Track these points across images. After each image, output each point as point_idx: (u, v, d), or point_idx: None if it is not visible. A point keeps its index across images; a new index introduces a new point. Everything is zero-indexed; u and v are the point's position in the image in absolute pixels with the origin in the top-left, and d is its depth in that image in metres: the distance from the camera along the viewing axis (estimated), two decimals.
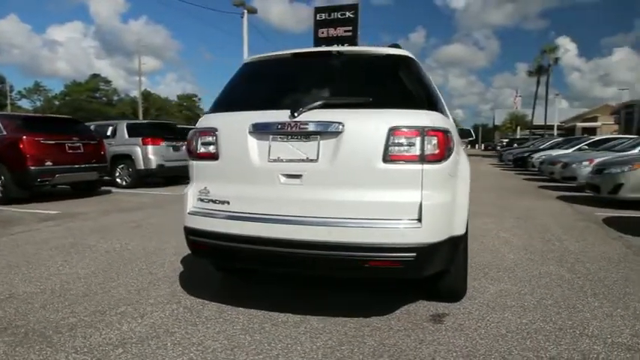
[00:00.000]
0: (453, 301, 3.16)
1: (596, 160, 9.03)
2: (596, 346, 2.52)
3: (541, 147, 19.57)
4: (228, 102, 3.00)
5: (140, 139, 10.67)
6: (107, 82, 72.56)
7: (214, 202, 2.79)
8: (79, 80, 70.68)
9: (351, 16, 32.02)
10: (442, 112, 2.79)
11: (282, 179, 2.62)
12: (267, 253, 2.60)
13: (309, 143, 2.60)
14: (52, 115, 9.40)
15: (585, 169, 9.58)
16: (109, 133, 10.91)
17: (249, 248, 2.64)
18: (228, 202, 2.74)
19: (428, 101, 2.67)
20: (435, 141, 2.48)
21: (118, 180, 10.83)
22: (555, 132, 48.33)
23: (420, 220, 2.43)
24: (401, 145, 2.46)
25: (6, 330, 2.74)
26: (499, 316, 2.96)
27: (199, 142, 2.90)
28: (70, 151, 8.36)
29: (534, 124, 50.92)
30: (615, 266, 4.14)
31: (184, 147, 11.32)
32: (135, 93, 60.29)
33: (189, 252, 3.32)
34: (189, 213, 2.88)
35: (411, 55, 2.91)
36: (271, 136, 2.67)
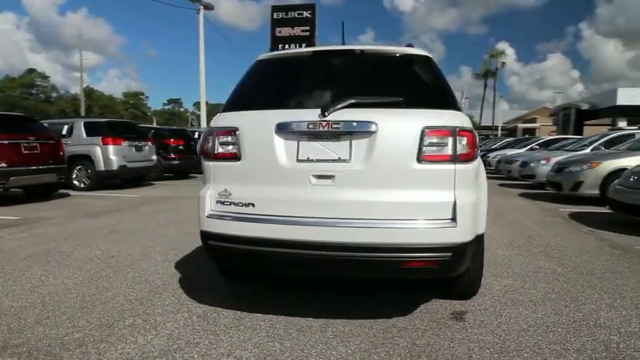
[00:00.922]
0: (467, 298, 3.22)
1: (555, 159, 9.57)
2: (613, 336, 2.66)
3: (494, 147, 20.52)
4: (246, 100, 2.88)
5: (100, 138, 10.08)
6: (44, 77, 67.86)
7: (237, 204, 2.67)
8: (13, 75, 65.70)
9: (309, 16, 32.14)
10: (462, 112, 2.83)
11: (313, 180, 2.54)
12: (298, 257, 2.52)
13: (339, 143, 2.55)
14: (5, 113, 8.64)
15: (543, 168, 10.13)
16: (64, 132, 10.21)
17: (279, 252, 2.55)
18: (253, 205, 2.62)
19: (453, 101, 2.69)
20: (464, 141, 2.51)
21: (76, 182, 10.17)
22: (499, 133, 50.83)
23: (454, 219, 2.45)
24: (434, 145, 2.47)
25: (5, 350, 2.48)
26: (514, 311, 3.05)
27: (217, 142, 2.76)
28: (26, 152, 7.73)
29: (481, 125, 53.41)
30: (598, 259, 4.40)
31: (146, 147, 10.81)
32: (75, 90, 57.02)
33: (180, 258, 3.18)
34: (207, 217, 2.73)
35: (430, 55, 2.92)
36: (300, 136, 2.59)
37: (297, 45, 32.35)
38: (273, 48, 33.37)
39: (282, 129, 2.60)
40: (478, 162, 2.63)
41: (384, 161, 2.48)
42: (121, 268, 4.02)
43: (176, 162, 12.91)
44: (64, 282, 3.63)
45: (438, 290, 3.28)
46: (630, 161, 7.61)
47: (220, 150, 2.75)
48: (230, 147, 2.72)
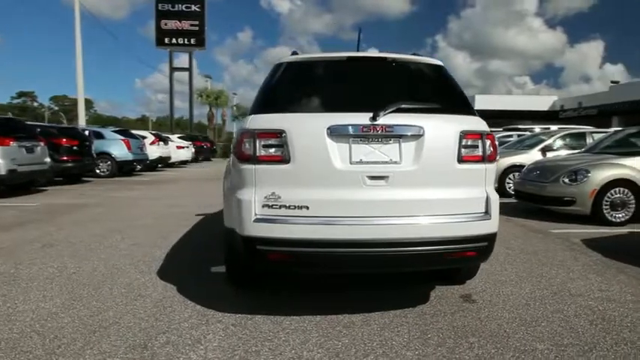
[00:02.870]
0: (462, 283, 3.62)
1: None
2: (591, 302, 3.28)
3: None
4: (284, 102, 2.85)
5: None
6: None
7: (288, 207, 2.65)
8: None
9: (197, 9, 30.97)
10: None
11: (368, 181, 2.66)
12: (355, 256, 2.62)
13: (389, 145, 2.71)
14: None
15: None
16: None
17: (336, 252, 2.61)
18: (307, 207, 2.63)
19: (473, 108, 3.03)
20: (489, 143, 2.86)
21: None
22: None
23: (487, 212, 2.80)
24: (470, 147, 2.78)
25: None
26: (507, 289, 3.54)
27: (260, 144, 2.70)
28: None
29: None
30: (530, 242, 5.24)
31: (38, 147, 9.48)
32: None
33: (157, 268, 3.08)
34: (254, 221, 2.66)
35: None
36: (351, 139, 2.68)
37: (186, 39, 30.92)
38: (159, 41, 31.35)
39: (335, 132, 2.66)
40: (496, 161, 3.02)
41: (430, 162, 2.71)
42: (99, 285, 3.60)
43: (70, 164, 11.46)
44: (42, 306, 3.15)
45: (438, 278, 3.64)
46: (521, 158, 9.03)
47: (264, 153, 2.70)
48: (276, 149, 2.69)
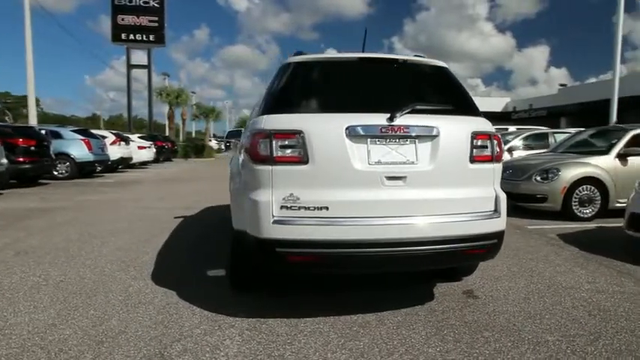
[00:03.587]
0: (459, 279, 3.72)
1: None
2: (583, 294, 3.46)
3: None
4: (298, 102, 2.82)
5: None
6: None
7: (307, 208, 2.62)
8: None
9: (156, 5, 29.99)
10: None
11: (386, 182, 2.68)
12: (374, 255, 2.63)
13: (406, 146, 2.74)
14: None
15: None
16: None
17: (356, 252, 2.61)
18: (327, 208, 2.62)
19: (479, 109, 3.12)
20: (496, 143, 2.96)
21: None
22: None
23: (496, 210, 2.89)
24: (481, 147, 2.87)
25: None
26: (504, 284, 3.67)
27: (276, 145, 2.65)
28: None
29: None
30: (512, 238, 5.44)
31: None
32: None
33: (149, 273, 3.03)
34: (273, 223, 2.61)
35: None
36: (369, 139, 2.69)
37: (145, 36, 29.81)
38: (115, 37, 30.04)
39: (354, 132, 2.66)
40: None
41: (445, 162, 2.77)
42: (92, 293, 3.42)
43: (27, 166, 10.78)
44: (36, 318, 2.95)
45: (437, 275, 3.73)
46: None
47: (280, 153, 2.66)
48: (294, 150, 2.65)
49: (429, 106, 2.84)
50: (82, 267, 4.12)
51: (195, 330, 2.78)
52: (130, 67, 30.59)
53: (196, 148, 29.26)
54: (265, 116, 2.76)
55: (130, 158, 17.64)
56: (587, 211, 6.62)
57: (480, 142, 2.87)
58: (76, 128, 14.93)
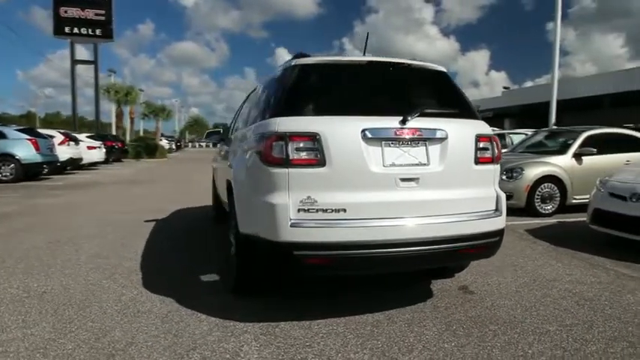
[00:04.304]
0: (452, 276, 3.87)
1: None
2: (567, 285, 3.71)
3: None
4: (312, 105, 2.81)
5: None
6: None
7: (325, 211, 2.63)
8: None
9: None
10: None
11: (401, 183, 2.74)
12: (391, 256, 2.68)
13: (417, 148, 2.82)
14: None
15: None
16: None
17: (373, 253, 2.65)
18: (344, 210, 2.64)
19: (477, 112, 3.26)
20: (495, 145, 3.11)
21: None
22: None
23: (497, 209, 3.04)
24: (483, 149, 3.00)
25: None
26: (494, 279, 3.85)
27: (292, 147, 2.64)
28: None
29: None
30: None
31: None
32: None
33: (138, 280, 3.07)
34: (291, 226, 2.60)
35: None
36: (383, 142, 2.74)
37: (91, 30, 28.20)
38: (58, 30, 28.17)
39: (369, 135, 2.70)
40: None
41: (454, 164, 2.87)
42: (83, 304, 3.23)
43: None
44: (30, 333, 2.76)
45: (429, 273, 3.85)
46: None
47: (296, 156, 2.64)
48: (311, 153, 2.65)
49: (437, 110, 2.93)
50: (63, 276, 3.88)
51: (208, 337, 2.71)
52: (75, 62, 28.85)
53: (148, 147, 28.09)
54: (279, 118, 2.74)
55: (80, 159, 16.70)
56: (548, 207, 7.06)
57: (482, 145, 3.00)
58: (21, 127, 13.93)
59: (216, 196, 6.25)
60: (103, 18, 26.77)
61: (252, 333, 2.77)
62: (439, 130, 2.84)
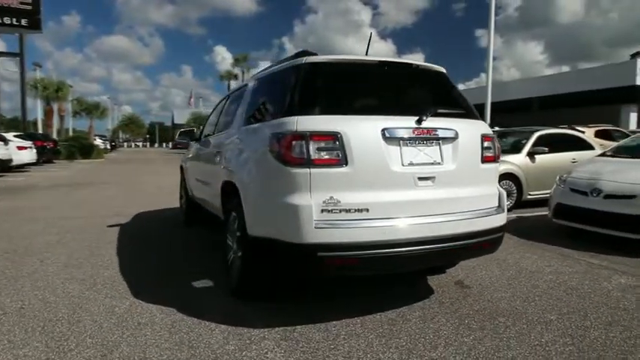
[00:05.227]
0: (444, 271, 3.99)
1: None
2: (550, 276, 3.95)
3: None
4: (330, 104, 2.76)
5: None
6: None
7: (348, 211, 2.60)
8: None
9: None
10: None
11: (418, 182, 2.77)
12: (413, 254, 2.70)
13: (431, 148, 2.86)
14: None
15: None
16: None
17: (396, 252, 2.66)
18: (367, 210, 2.62)
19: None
20: (496, 144, 3.25)
21: None
22: None
23: (500, 206, 3.17)
24: (487, 148, 3.11)
25: None
26: (485, 273, 4.01)
27: (313, 147, 2.58)
28: None
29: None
30: None
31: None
32: None
33: (126, 289, 3.31)
34: (315, 227, 2.54)
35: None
36: (401, 141, 2.76)
37: (16, 20, 25.77)
38: None
39: (389, 135, 2.71)
40: None
41: (464, 163, 2.95)
42: (73, 319, 2.96)
43: None
44: (22, 354, 2.48)
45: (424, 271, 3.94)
46: None
47: (317, 156, 2.59)
48: (332, 152, 2.61)
49: (447, 110, 3.00)
50: (36, 289, 3.53)
51: (227, 347, 2.58)
52: None
53: (83, 148, 26.27)
54: (297, 117, 2.66)
55: (10, 160, 15.27)
56: (507, 203, 7.47)
57: (487, 144, 3.11)
58: None
59: (188, 198, 5.98)
60: (29, 7, 24.55)
61: (271, 339, 2.68)
62: (451, 129, 2.91)
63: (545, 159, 7.74)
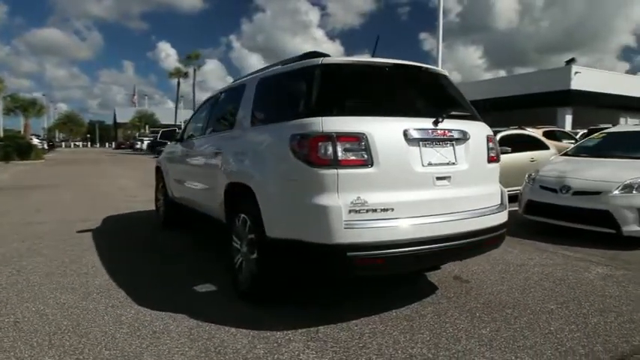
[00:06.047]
0: (438, 267, 4.13)
1: None
2: (537, 269, 4.20)
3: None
4: (354, 105, 2.79)
5: None
6: None
7: (374, 211, 2.63)
8: None
9: None
10: None
11: (437, 182, 2.87)
12: (436, 251, 2.79)
13: (445, 148, 2.97)
14: None
15: None
16: None
17: (420, 250, 2.73)
18: (392, 209, 2.67)
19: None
20: (496, 145, 3.42)
21: None
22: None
23: (502, 204, 3.34)
24: (491, 149, 3.27)
25: None
26: (480, 267, 4.19)
27: (340, 148, 2.60)
28: None
29: (163, 123, 53.80)
30: None
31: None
32: None
33: (125, 297, 3.34)
34: (344, 228, 2.56)
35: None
36: (421, 142, 2.84)
37: None
38: None
39: (410, 135, 2.78)
40: None
41: (474, 163, 3.09)
42: (80, 331, 2.79)
43: None
44: None
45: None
46: None
47: (344, 157, 2.61)
48: (358, 153, 2.64)
49: (458, 112, 3.13)
50: (25, 301, 3.28)
51: (257, 351, 2.54)
52: None
53: (20, 148, 24.46)
54: (321, 118, 2.66)
55: None
56: None
57: (490, 144, 3.28)
58: None
59: (167, 199, 5.77)
60: None
61: (299, 341, 2.67)
62: (464, 131, 3.04)
63: (506, 158, 8.16)
